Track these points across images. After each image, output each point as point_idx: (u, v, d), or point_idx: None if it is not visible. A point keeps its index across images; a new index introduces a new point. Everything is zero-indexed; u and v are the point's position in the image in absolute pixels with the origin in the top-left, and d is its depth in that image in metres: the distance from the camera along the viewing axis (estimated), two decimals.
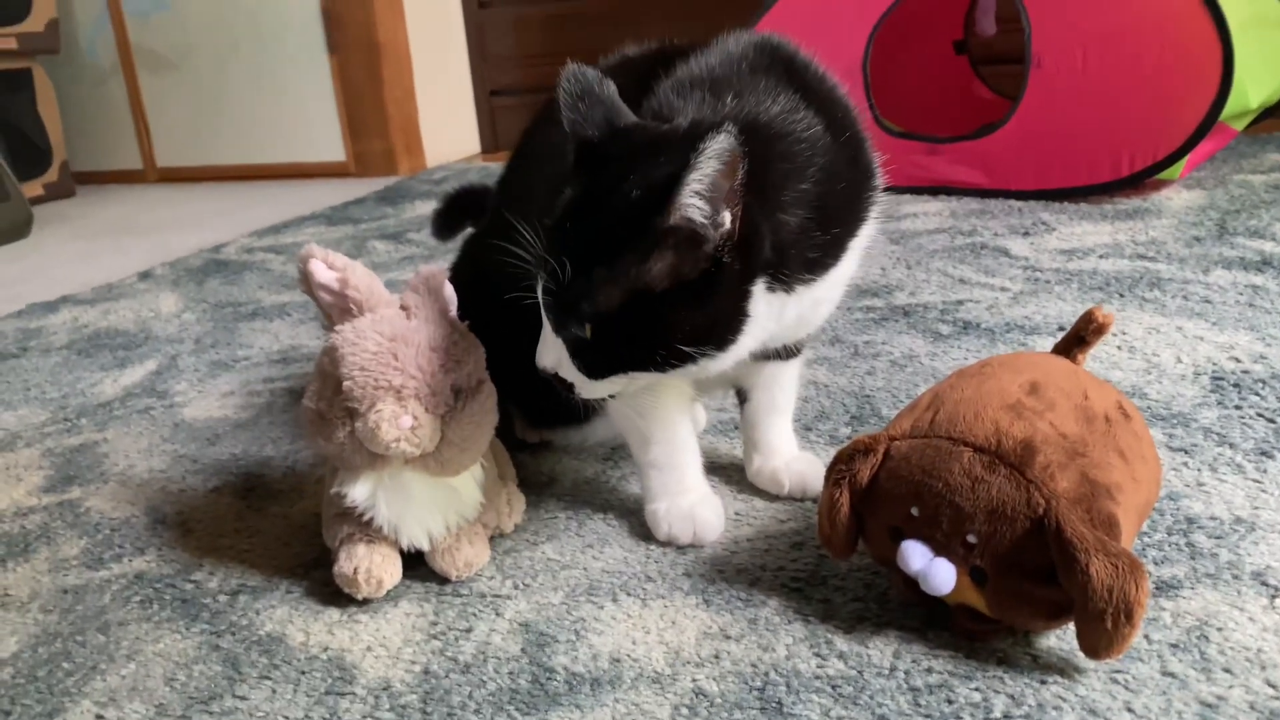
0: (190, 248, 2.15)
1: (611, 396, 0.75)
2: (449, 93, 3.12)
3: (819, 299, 0.77)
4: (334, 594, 0.79)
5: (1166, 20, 1.73)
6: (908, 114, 2.17)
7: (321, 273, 0.79)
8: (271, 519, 0.94)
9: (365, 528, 0.79)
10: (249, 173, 3.07)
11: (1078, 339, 0.78)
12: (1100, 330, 0.77)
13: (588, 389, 0.73)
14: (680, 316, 0.67)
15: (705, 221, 0.64)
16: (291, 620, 0.77)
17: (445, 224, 1.29)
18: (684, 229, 0.65)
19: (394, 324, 0.77)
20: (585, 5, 3.00)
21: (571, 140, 0.71)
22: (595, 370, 0.71)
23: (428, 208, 2.30)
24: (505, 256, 0.78)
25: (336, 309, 0.79)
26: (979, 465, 0.65)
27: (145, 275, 1.93)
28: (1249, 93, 1.78)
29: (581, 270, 0.67)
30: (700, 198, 0.63)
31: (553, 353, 0.73)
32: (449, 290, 0.83)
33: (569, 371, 0.72)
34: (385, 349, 0.75)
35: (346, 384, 0.74)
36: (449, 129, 3.11)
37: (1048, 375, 0.72)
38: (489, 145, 3.25)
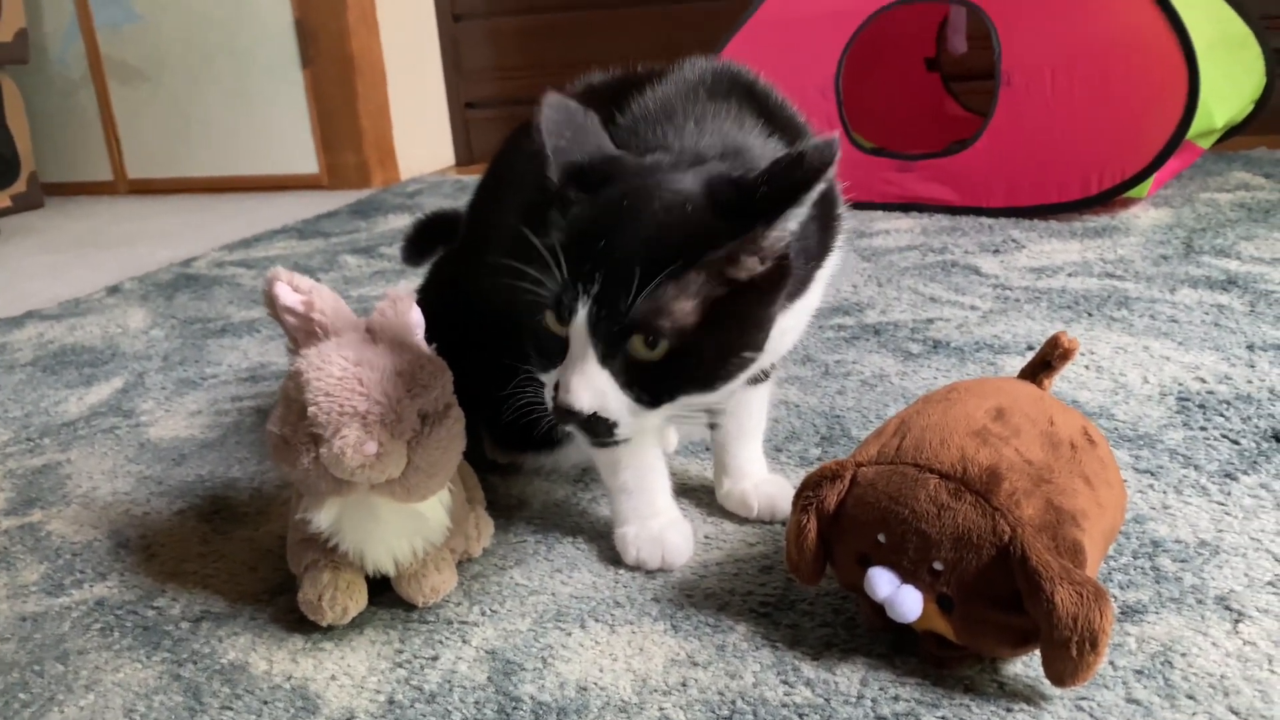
0: (160, 261, 2.13)
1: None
2: (423, 105, 3.11)
3: (784, 329, 0.77)
4: (298, 621, 0.78)
5: (1133, 40, 1.75)
6: (880, 130, 2.18)
7: (286, 295, 0.78)
8: (236, 543, 0.92)
9: (330, 553, 0.78)
10: (220, 185, 3.05)
11: (1044, 364, 0.78)
12: (1066, 355, 0.77)
13: (632, 424, 0.68)
14: (748, 321, 0.67)
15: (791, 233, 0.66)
16: (255, 648, 0.76)
17: (415, 249, 1.27)
18: (779, 240, 0.65)
19: (359, 349, 0.76)
20: (559, 18, 3.00)
21: (557, 165, 0.69)
22: (656, 397, 0.67)
23: (401, 221, 2.29)
24: (486, 281, 0.78)
25: (301, 332, 0.78)
26: (945, 492, 0.65)
27: (114, 290, 1.91)
28: (1214, 112, 1.80)
29: (647, 286, 0.63)
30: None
31: (589, 391, 0.66)
32: (416, 313, 0.82)
33: (614, 408, 0.67)
34: (350, 374, 0.74)
35: (311, 410, 0.73)
36: (423, 141, 3.10)
37: (1013, 401, 0.72)
38: (463, 157, 3.24)
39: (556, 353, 0.69)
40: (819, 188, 0.62)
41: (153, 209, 2.88)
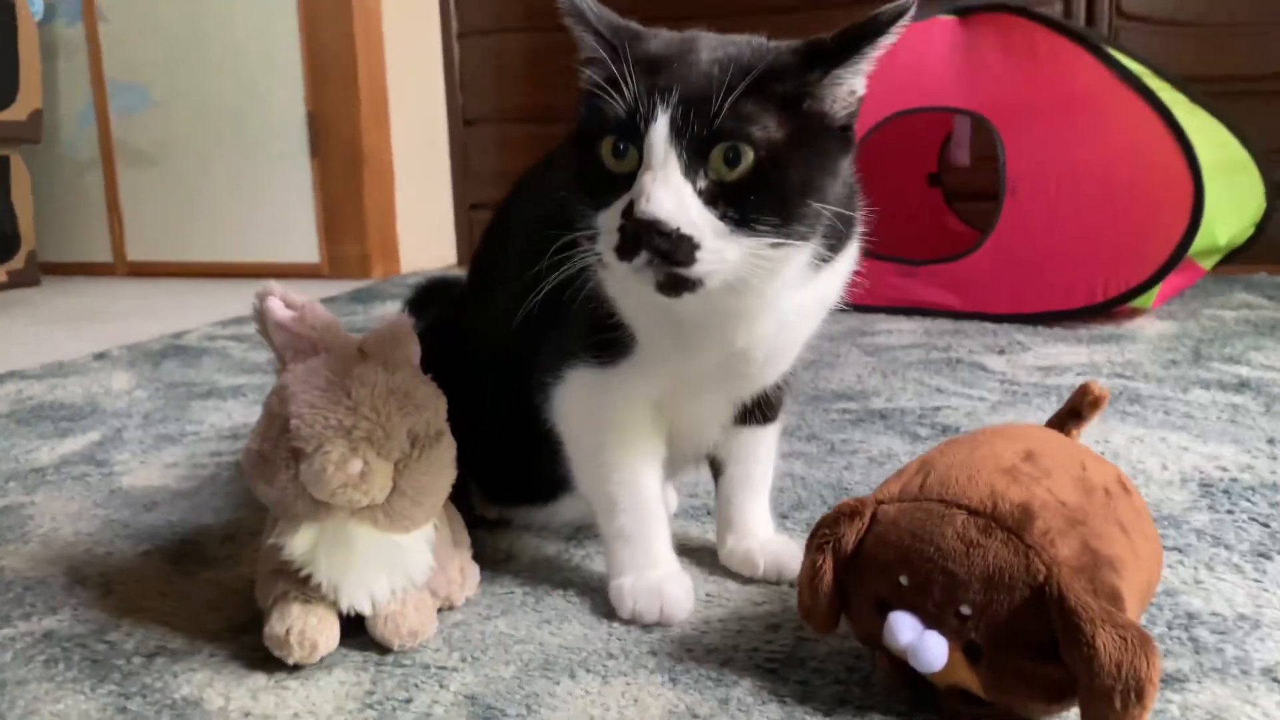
0: (151, 334, 2.10)
1: (696, 289, 0.63)
2: (429, 203, 3.13)
3: (801, 308, 0.74)
4: (263, 658, 0.72)
5: (1139, 154, 1.76)
6: (881, 238, 2.18)
7: (278, 310, 0.74)
8: (202, 584, 0.86)
9: (302, 586, 0.72)
10: (220, 270, 3.04)
11: (1073, 413, 0.74)
12: (1096, 404, 0.73)
13: (715, 253, 0.61)
14: (828, 159, 0.66)
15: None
16: (211, 684, 0.69)
17: (415, 309, 1.25)
18: (851, 90, 0.66)
19: (350, 363, 0.72)
20: (569, 128, 3.06)
21: (601, 19, 0.67)
22: (740, 218, 0.62)
23: (399, 307, 2.27)
24: (482, 310, 0.75)
25: (291, 349, 0.74)
26: (974, 529, 0.60)
27: (100, 356, 1.86)
28: (1217, 230, 1.81)
29: (732, 95, 0.61)
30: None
31: (673, 198, 0.60)
32: (415, 343, 0.78)
33: (699, 221, 0.61)
34: (338, 387, 0.70)
35: (294, 422, 0.69)
36: (426, 238, 3.11)
37: (1043, 445, 0.68)
38: (465, 256, 3.25)
39: (616, 189, 0.64)
40: (887, 40, 0.63)
41: (149, 289, 2.87)
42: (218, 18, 2.90)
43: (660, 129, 0.61)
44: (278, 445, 0.70)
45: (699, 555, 0.89)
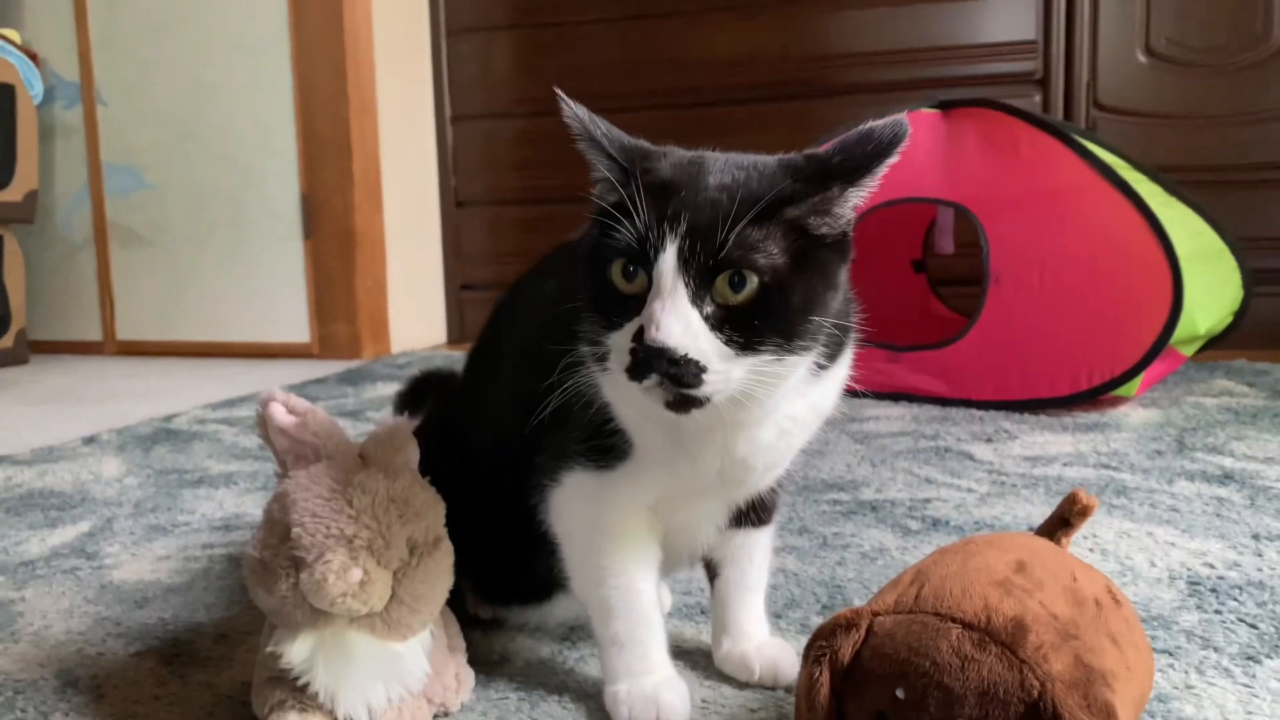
0: (141, 416, 2.10)
1: (703, 404, 0.65)
2: (420, 283, 3.16)
3: (796, 417, 0.75)
4: None
5: (1119, 245, 1.81)
6: (868, 324, 2.21)
7: (280, 416, 0.75)
8: (195, 688, 0.86)
9: (299, 694, 0.72)
10: (210, 350, 3.05)
11: (1062, 521, 0.76)
12: (1084, 513, 0.75)
13: (720, 375, 0.64)
14: (830, 274, 0.68)
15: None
16: None
17: (409, 403, 1.25)
18: (850, 211, 0.68)
19: (350, 471, 0.73)
20: (557, 209, 3.10)
21: (612, 143, 0.70)
22: (745, 341, 0.64)
23: (389, 389, 2.28)
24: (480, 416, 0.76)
25: (293, 455, 0.75)
26: (969, 643, 0.61)
27: (90, 440, 1.86)
28: (1197, 318, 1.84)
29: (738, 225, 0.63)
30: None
31: (680, 324, 0.63)
32: (414, 447, 0.79)
33: (706, 348, 0.63)
34: (340, 495, 0.71)
35: (295, 531, 0.69)
36: (417, 318, 3.13)
37: (1034, 555, 0.69)
38: (455, 336, 3.27)
39: (626, 309, 0.66)
40: (890, 160, 0.66)
41: (139, 369, 2.87)
42: (215, 103, 2.95)
43: (669, 258, 0.64)
44: (278, 553, 0.70)
45: (694, 658, 0.89)
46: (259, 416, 0.76)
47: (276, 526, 0.71)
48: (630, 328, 0.65)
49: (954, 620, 0.63)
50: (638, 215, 0.65)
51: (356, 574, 0.69)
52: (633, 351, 0.64)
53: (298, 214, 2.92)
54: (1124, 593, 0.71)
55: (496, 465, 0.88)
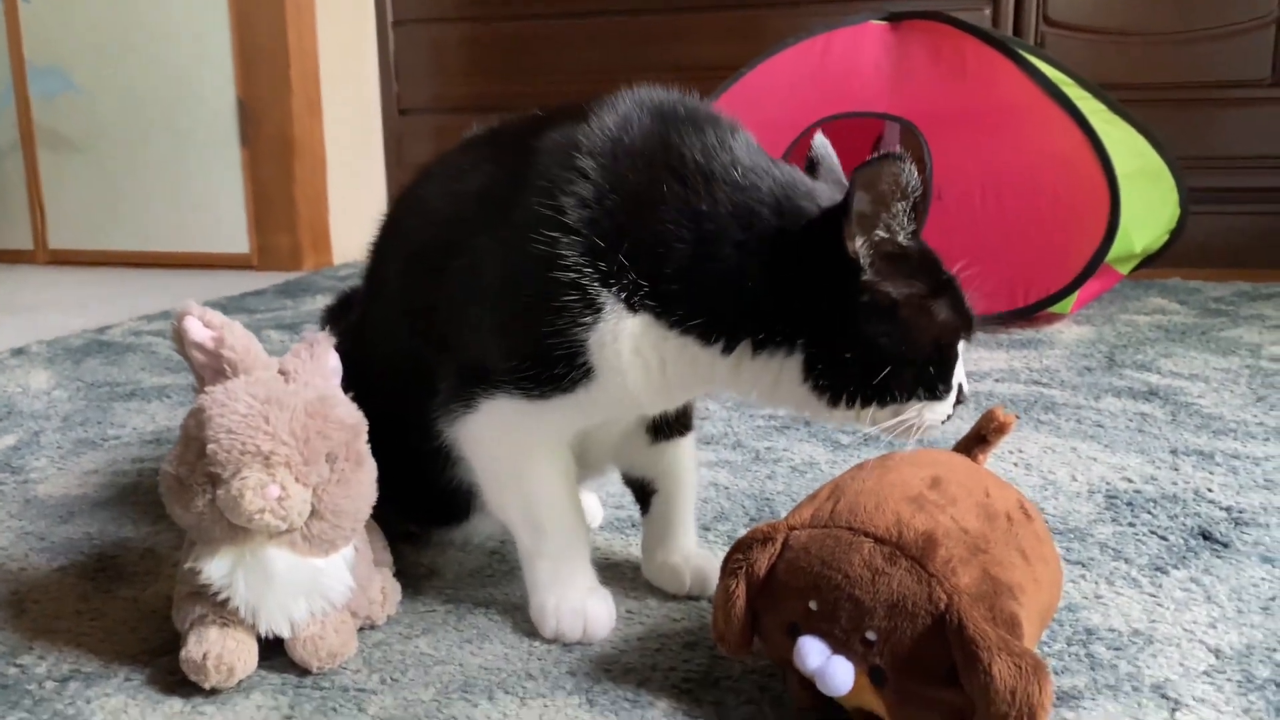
0: (73, 329, 2.05)
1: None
2: (362, 193, 3.09)
3: None
4: (179, 682, 0.72)
5: (1060, 164, 1.81)
6: None
7: (196, 330, 0.74)
8: (120, 602, 0.85)
9: (220, 609, 0.72)
10: (146, 260, 2.97)
11: (979, 438, 0.77)
12: (1001, 429, 0.76)
13: None
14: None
15: None
16: (126, 710, 0.69)
17: (336, 317, 1.21)
18: None
19: (269, 386, 0.72)
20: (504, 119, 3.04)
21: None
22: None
23: (329, 300, 2.25)
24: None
25: (210, 370, 0.74)
26: (880, 557, 0.62)
27: (19, 351, 1.82)
28: (1133, 237, 1.87)
29: None
30: None
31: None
32: (333, 358, 0.78)
33: None
34: (256, 411, 0.69)
35: (210, 447, 0.68)
36: (360, 228, 3.05)
37: (950, 471, 0.70)
38: None
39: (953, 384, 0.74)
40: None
41: (71, 279, 2.80)
42: (145, 3, 2.82)
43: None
44: (195, 469, 0.70)
45: (620, 570, 0.90)
46: (174, 331, 0.75)
47: (193, 443, 0.70)
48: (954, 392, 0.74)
49: (866, 535, 0.64)
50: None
51: (274, 490, 0.68)
52: (957, 403, 0.75)
53: (234, 121, 2.83)
54: (1037, 509, 0.72)
55: (394, 385, 0.85)
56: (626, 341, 0.70)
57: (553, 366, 0.72)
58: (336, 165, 2.95)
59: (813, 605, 0.63)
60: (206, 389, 0.72)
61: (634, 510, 0.91)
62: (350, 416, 0.74)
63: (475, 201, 0.79)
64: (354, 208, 3.05)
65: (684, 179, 0.70)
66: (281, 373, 0.74)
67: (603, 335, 0.70)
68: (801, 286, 0.69)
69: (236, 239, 2.90)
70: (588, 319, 0.70)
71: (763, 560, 0.67)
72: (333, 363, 0.78)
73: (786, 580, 0.65)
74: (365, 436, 0.76)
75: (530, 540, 0.81)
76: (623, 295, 0.70)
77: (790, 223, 0.70)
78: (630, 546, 0.95)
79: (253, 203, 2.86)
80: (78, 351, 1.82)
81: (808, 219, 0.70)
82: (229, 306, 2.25)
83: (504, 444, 0.78)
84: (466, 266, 0.76)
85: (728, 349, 0.71)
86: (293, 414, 0.70)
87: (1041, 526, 0.71)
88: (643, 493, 0.89)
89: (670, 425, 0.87)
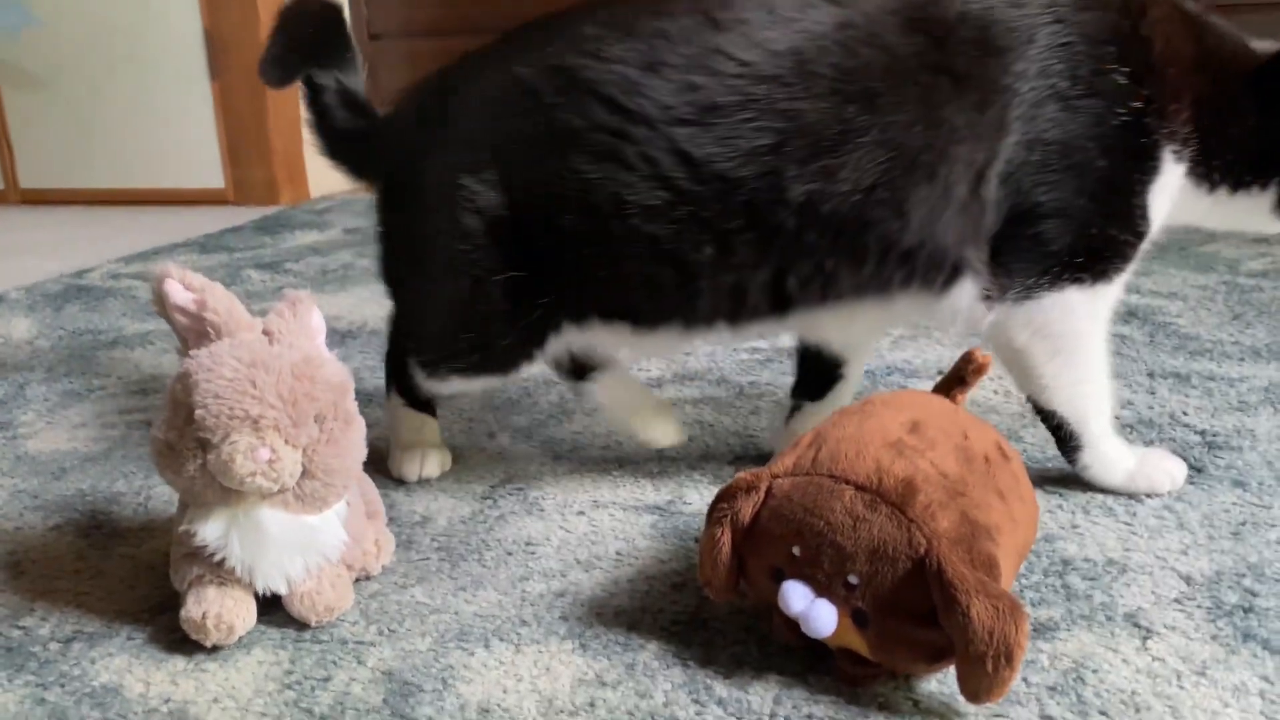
0: (51, 273, 2.03)
1: None
2: None
3: None
4: (180, 640, 0.73)
5: None
6: None
7: (177, 293, 0.74)
8: (117, 560, 0.87)
9: (216, 569, 0.73)
10: (120, 197, 2.93)
11: (958, 379, 0.78)
12: (980, 370, 0.77)
13: None
14: None
15: None
16: (130, 669, 0.71)
17: (285, 63, 1.02)
18: None
19: (254, 349, 0.72)
20: (477, 42, 2.98)
21: None
22: None
23: (309, 237, 2.23)
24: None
25: (193, 333, 0.74)
26: (860, 504, 0.64)
27: None
28: None
29: None
30: None
31: None
32: (317, 316, 0.78)
33: None
34: (243, 375, 0.70)
35: (199, 413, 0.69)
36: None
37: (928, 414, 0.71)
38: None
39: None
40: None
41: (46, 219, 2.76)
42: None
43: None
44: (184, 435, 0.70)
45: (608, 508, 0.92)
46: (155, 293, 0.74)
47: (180, 408, 0.71)
48: None
49: (847, 482, 0.65)
50: None
51: (264, 453, 0.69)
52: None
53: (202, 52, 2.77)
54: (1013, 447, 0.74)
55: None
56: (1168, 194, 0.81)
57: (1139, 229, 0.82)
58: None
59: (796, 551, 0.65)
60: (191, 352, 0.73)
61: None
62: (336, 375, 0.75)
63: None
64: None
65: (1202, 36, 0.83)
66: (265, 333, 0.75)
67: (1158, 189, 0.81)
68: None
69: (211, 174, 2.85)
70: (1150, 176, 0.80)
71: (747, 508, 0.68)
72: (316, 321, 0.78)
73: (770, 527, 0.67)
74: (352, 394, 0.76)
75: (1082, 421, 0.89)
76: (1173, 149, 0.80)
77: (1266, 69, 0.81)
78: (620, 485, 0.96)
79: (225, 137, 2.81)
80: (57, 298, 1.81)
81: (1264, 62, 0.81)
82: (207, 245, 2.23)
83: (1083, 333, 0.87)
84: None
85: (1218, 188, 0.83)
86: (279, 376, 0.71)
87: (1019, 465, 0.72)
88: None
89: None
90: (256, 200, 2.82)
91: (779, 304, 0.84)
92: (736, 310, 0.85)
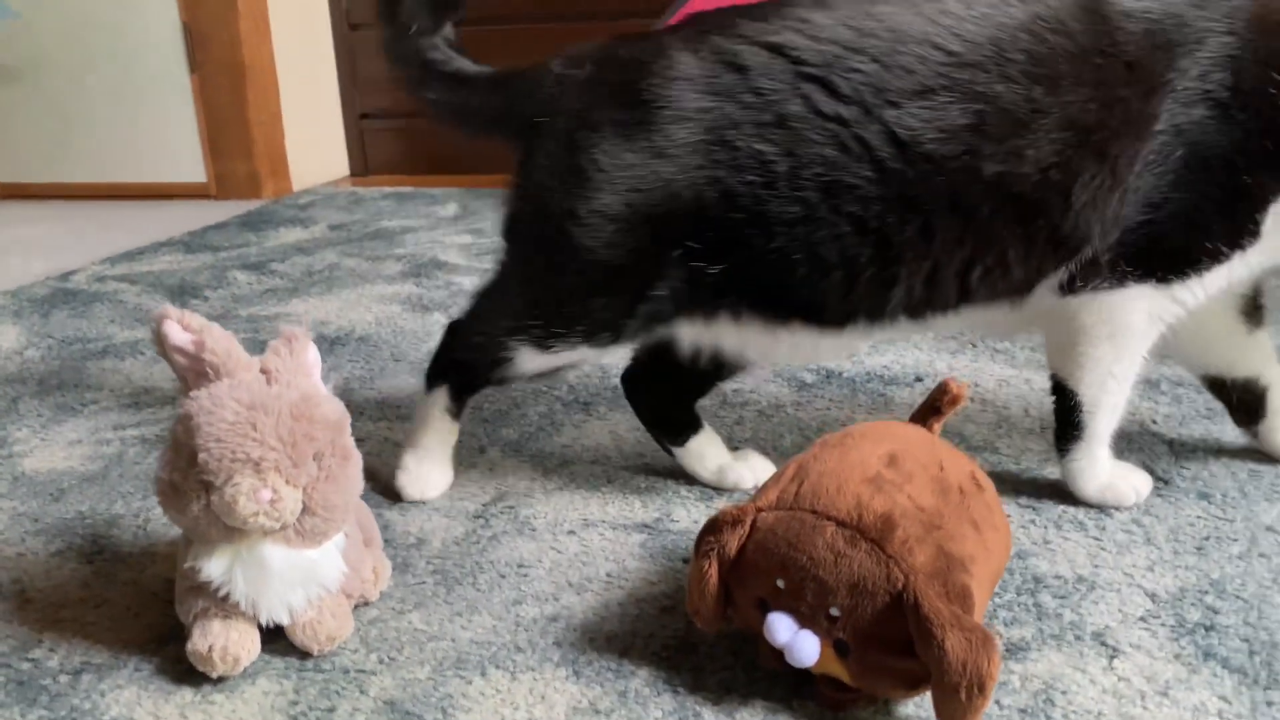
0: (36, 274, 2.03)
1: None
2: (317, 115, 3.04)
3: None
4: (188, 671, 0.76)
5: None
6: None
7: (176, 335, 0.76)
8: (120, 587, 0.89)
9: (221, 603, 0.76)
10: (101, 192, 2.92)
11: (933, 409, 0.81)
12: (954, 401, 0.80)
13: None
14: None
15: None
16: (140, 702, 0.73)
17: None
18: None
19: (253, 391, 0.74)
20: (465, 30, 2.98)
21: None
22: None
23: (294, 234, 2.24)
24: None
25: (192, 373, 0.76)
26: (841, 540, 0.67)
27: None
28: None
29: None
30: None
31: None
32: (312, 352, 0.81)
33: None
34: (243, 418, 0.72)
35: (202, 456, 0.71)
36: (317, 151, 3.03)
37: (906, 446, 0.74)
38: (359, 168, 3.18)
39: None
40: None
41: (27, 214, 2.75)
42: None
43: None
44: (187, 476, 0.72)
45: (599, 529, 0.95)
46: (154, 334, 0.76)
47: (183, 450, 0.73)
48: None
49: (829, 518, 0.68)
50: None
51: (266, 494, 0.71)
52: None
53: (181, 45, 2.76)
54: (986, 475, 0.77)
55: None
56: None
57: (1244, 245, 0.86)
58: (289, 88, 2.89)
59: (780, 584, 0.68)
60: (191, 394, 0.75)
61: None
62: (333, 413, 0.77)
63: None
64: (310, 130, 3.00)
65: None
66: (263, 372, 0.77)
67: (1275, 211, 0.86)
68: None
69: (193, 168, 2.85)
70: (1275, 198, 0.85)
71: (733, 541, 0.71)
72: (311, 357, 0.80)
73: (755, 560, 0.70)
74: (348, 430, 0.78)
75: (1094, 412, 0.92)
76: None
77: None
78: (608, 503, 0.99)
79: (206, 130, 2.81)
80: (43, 302, 1.81)
81: None
82: (191, 244, 2.24)
83: (1152, 324, 0.90)
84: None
85: None
86: (278, 418, 0.73)
87: (991, 494, 0.75)
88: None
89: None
90: (239, 194, 2.82)
91: (962, 296, 0.89)
92: (928, 299, 0.89)
